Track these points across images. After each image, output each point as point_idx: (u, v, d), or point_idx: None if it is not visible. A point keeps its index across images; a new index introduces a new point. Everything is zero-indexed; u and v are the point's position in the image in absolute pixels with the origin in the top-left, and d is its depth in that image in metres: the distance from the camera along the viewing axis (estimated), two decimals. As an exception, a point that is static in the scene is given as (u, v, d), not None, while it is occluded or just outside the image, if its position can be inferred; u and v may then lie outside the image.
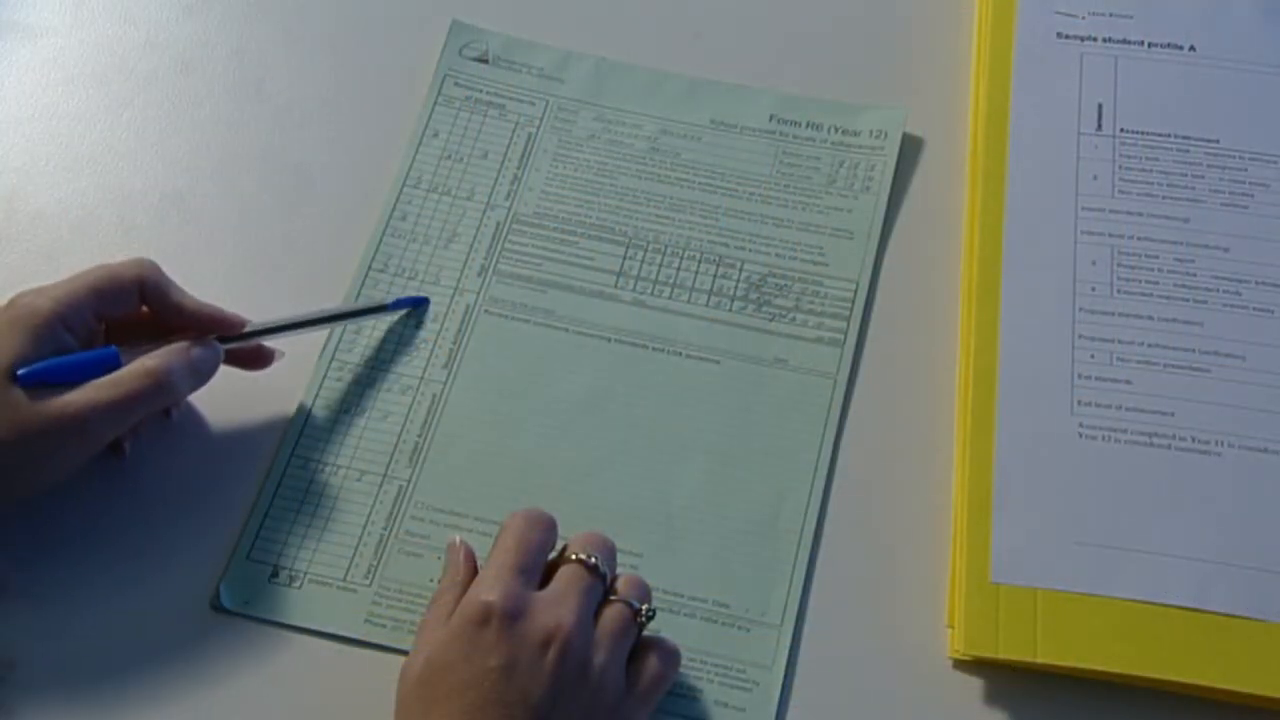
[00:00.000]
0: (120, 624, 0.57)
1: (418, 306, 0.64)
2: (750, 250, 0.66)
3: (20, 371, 0.53)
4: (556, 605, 0.51)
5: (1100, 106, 0.68)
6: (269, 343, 0.61)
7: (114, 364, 0.55)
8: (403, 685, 0.51)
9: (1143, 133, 0.67)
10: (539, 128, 0.70)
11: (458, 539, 0.56)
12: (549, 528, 0.54)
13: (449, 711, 0.49)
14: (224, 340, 0.58)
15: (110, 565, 0.58)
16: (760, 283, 0.65)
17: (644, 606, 0.54)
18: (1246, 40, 0.69)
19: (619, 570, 0.55)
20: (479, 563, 0.55)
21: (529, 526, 0.54)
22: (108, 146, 0.69)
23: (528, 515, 0.54)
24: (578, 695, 0.50)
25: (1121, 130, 0.67)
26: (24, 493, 0.56)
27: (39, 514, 0.58)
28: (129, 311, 0.57)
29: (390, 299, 0.64)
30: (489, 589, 0.51)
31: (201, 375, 0.57)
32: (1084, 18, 0.70)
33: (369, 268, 0.66)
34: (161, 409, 0.59)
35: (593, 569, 0.53)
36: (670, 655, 0.54)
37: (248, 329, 0.59)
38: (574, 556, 0.53)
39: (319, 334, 0.63)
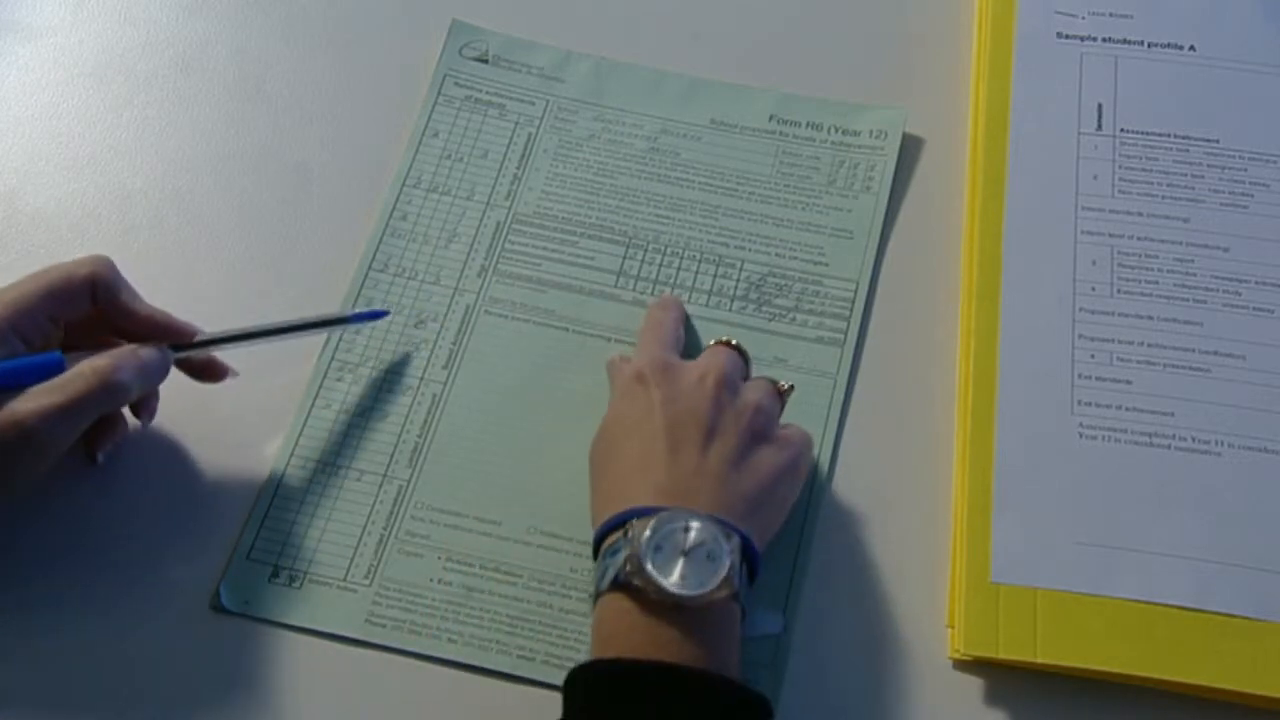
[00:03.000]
0: (121, 624, 0.57)
1: (376, 319, 0.63)
2: (750, 250, 0.66)
3: None
4: (705, 360, 0.58)
5: (1100, 106, 0.68)
6: (229, 360, 0.60)
7: (58, 369, 0.53)
8: (592, 453, 0.56)
9: (1143, 133, 0.67)
10: (539, 127, 0.70)
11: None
12: (677, 306, 0.63)
13: (629, 449, 0.54)
14: (175, 349, 0.57)
15: (111, 566, 0.58)
16: (760, 282, 0.65)
17: (783, 383, 0.59)
18: (1246, 40, 0.69)
19: None
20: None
21: (660, 310, 0.62)
22: (108, 146, 0.69)
23: (660, 301, 0.63)
24: (739, 414, 0.55)
25: (1121, 130, 0.67)
26: None
27: (39, 514, 0.58)
28: (84, 311, 0.56)
29: (350, 311, 0.63)
30: (638, 361, 0.58)
31: (150, 377, 0.56)
32: (1084, 18, 0.70)
33: (369, 268, 0.66)
34: (111, 410, 0.57)
35: (735, 348, 0.59)
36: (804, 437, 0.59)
37: (198, 339, 0.58)
38: (716, 341, 0.60)
39: (319, 334, 0.63)
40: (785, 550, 0.58)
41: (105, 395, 0.54)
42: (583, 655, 0.56)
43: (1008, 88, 0.68)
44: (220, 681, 0.56)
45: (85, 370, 0.53)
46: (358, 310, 0.63)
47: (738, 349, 0.59)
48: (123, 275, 0.57)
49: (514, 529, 0.59)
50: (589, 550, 0.58)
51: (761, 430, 0.55)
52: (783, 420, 0.57)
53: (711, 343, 0.60)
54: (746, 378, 0.59)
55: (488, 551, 0.58)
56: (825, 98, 0.70)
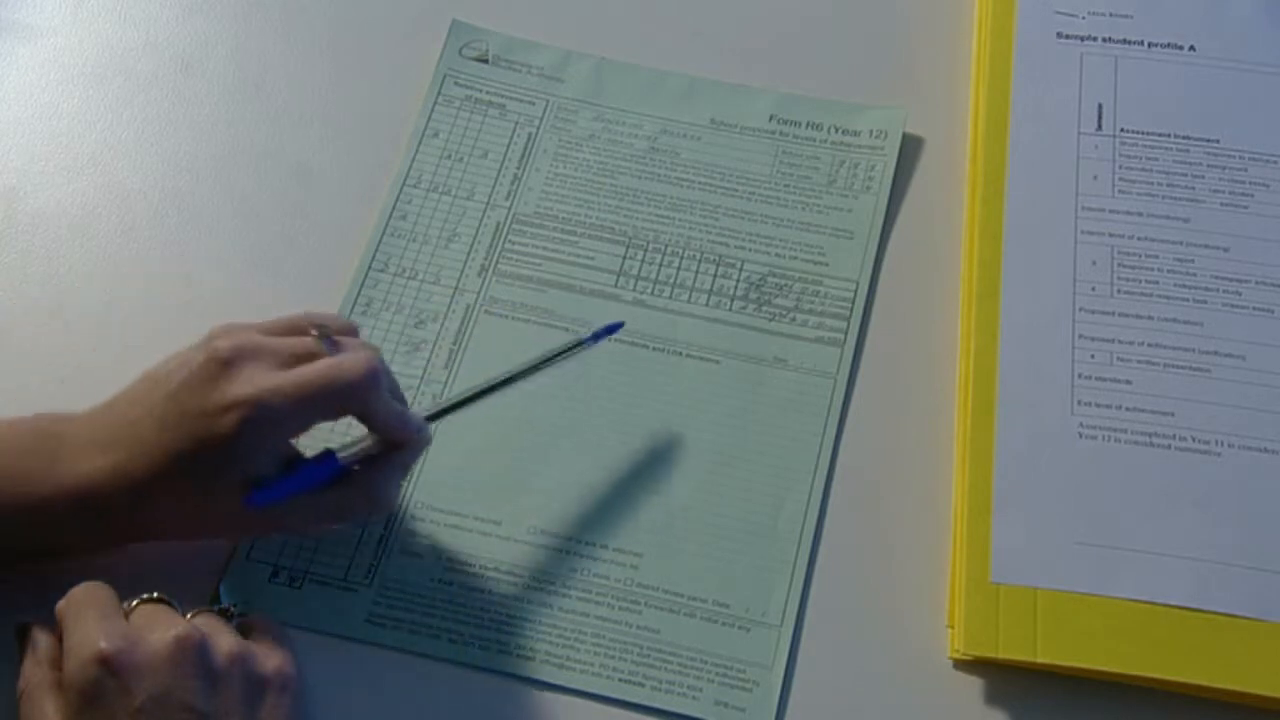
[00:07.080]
0: (120, 624, 0.56)
1: (611, 333, 0.61)
2: (750, 250, 0.66)
3: (253, 497, 0.52)
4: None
5: (1100, 106, 0.68)
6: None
7: (337, 478, 0.54)
8: None
9: (1143, 133, 0.67)
10: (539, 127, 0.70)
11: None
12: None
13: None
14: (430, 418, 0.56)
15: (110, 566, 0.58)
16: (760, 282, 0.65)
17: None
18: (1246, 40, 0.69)
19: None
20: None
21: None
22: (108, 146, 0.69)
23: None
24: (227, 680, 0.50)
25: (1121, 130, 0.67)
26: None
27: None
28: None
29: (587, 333, 0.60)
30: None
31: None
32: (1084, 18, 0.70)
33: (369, 267, 0.66)
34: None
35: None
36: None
37: (450, 401, 0.57)
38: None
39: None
40: (785, 550, 0.59)
41: (373, 514, 0.57)
42: (583, 655, 0.56)
43: (1008, 88, 0.68)
44: (220, 681, 0.56)
45: (363, 498, 0.55)
46: (595, 330, 0.60)
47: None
48: (384, 381, 0.53)
49: (514, 529, 0.59)
50: (589, 550, 0.58)
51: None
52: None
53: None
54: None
55: (488, 551, 0.58)
56: (825, 98, 0.70)
